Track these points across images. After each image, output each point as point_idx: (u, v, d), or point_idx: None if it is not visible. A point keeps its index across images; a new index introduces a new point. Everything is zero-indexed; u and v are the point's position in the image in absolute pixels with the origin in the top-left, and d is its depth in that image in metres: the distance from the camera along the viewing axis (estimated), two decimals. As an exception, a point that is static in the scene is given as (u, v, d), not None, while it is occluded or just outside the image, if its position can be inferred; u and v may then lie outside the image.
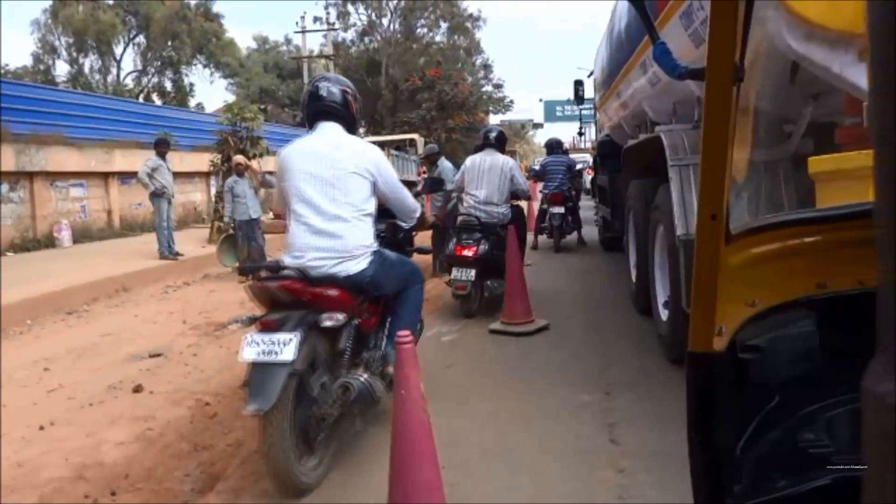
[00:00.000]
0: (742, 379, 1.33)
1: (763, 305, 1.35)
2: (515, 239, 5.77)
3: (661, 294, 4.84)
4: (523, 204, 6.98)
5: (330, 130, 3.12)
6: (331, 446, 2.94)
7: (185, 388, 4.19)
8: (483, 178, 5.99)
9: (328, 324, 2.79)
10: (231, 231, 8.81)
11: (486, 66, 38.94)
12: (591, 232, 11.34)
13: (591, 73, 11.38)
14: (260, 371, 2.58)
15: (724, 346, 1.27)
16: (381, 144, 17.56)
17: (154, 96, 32.76)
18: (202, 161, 14.30)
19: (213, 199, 13.23)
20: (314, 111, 3.16)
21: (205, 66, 34.21)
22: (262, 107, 31.83)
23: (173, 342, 5.46)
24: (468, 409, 3.83)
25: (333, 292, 2.85)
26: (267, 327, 2.70)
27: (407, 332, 2.33)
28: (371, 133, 33.83)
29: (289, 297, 2.80)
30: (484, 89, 36.19)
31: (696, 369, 1.29)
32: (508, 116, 40.67)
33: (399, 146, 17.23)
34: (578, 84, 13.11)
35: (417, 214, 3.46)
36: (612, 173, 8.53)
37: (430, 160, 8.98)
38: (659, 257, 4.90)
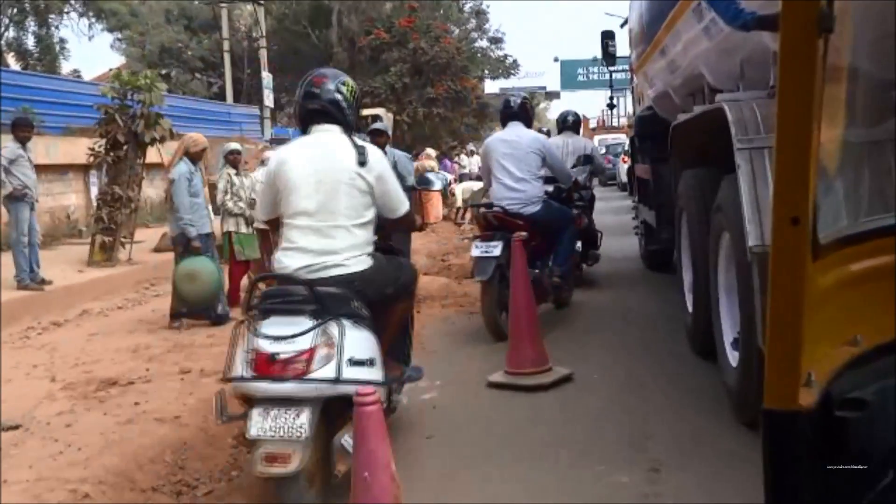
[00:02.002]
0: (841, 446, 1.33)
1: (868, 343, 1.36)
2: (523, 255, 5.80)
3: (729, 329, 4.86)
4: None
5: (516, 126, 7.12)
6: None
7: (53, 474, 4.13)
8: (568, 159, 8.89)
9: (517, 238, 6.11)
10: (183, 250, 8.03)
11: (480, 13, 39.15)
12: (629, 244, 11.39)
13: (625, 22, 11.48)
14: (482, 261, 6.49)
15: (814, 400, 1.28)
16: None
17: (9, 58, 32.62)
18: (78, 149, 14.22)
19: (96, 202, 13.15)
20: (506, 115, 7.24)
21: (81, 16, 34.16)
22: (164, 72, 31.80)
23: (36, 409, 5.39)
24: (457, 497, 3.81)
25: (519, 222, 6.67)
26: (485, 238, 6.64)
27: (370, 390, 2.33)
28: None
29: (496, 222, 6.78)
30: (476, 45, 36.39)
31: (777, 434, 1.30)
32: (512, 83, 40.76)
33: (359, 126, 17.25)
34: (608, 37, 13.22)
35: (573, 180, 7.91)
36: (657, 161, 8.58)
37: (378, 143, 9.09)
38: (724, 277, 4.92)
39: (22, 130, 9.83)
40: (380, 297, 4.00)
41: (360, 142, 4.03)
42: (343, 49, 32.42)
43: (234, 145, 9.81)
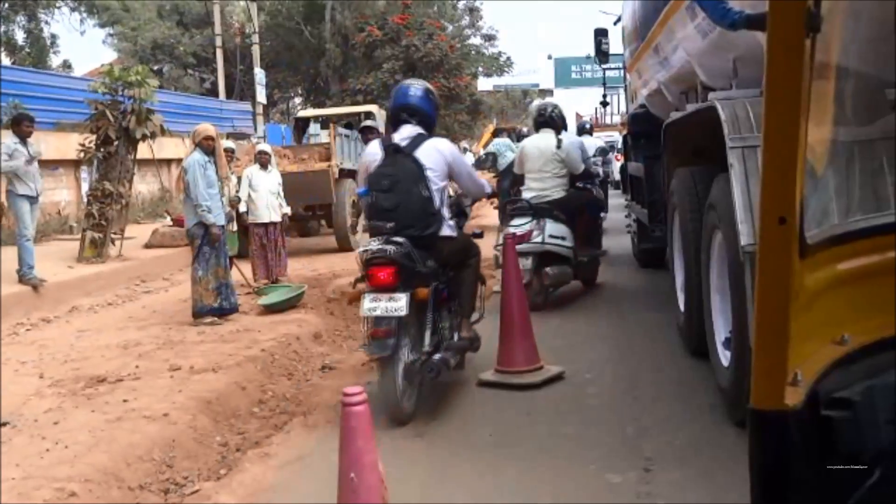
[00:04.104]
0: (828, 446, 1.33)
1: (856, 343, 1.36)
2: (515, 253, 5.80)
3: (721, 328, 4.87)
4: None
5: (587, 136, 14.91)
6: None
7: (40, 472, 4.12)
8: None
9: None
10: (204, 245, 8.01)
11: (473, 11, 39.24)
12: (621, 242, 11.41)
13: (619, 20, 11.48)
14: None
15: (801, 400, 1.28)
16: (326, 120, 17.49)
17: (0, 52, 32.49)
18: (69, 144, 14.19)
19: (86, 198, 13.12)
20: (581, 131, 15.47)
21: (73, 10, 34.05)
22: (156, 68, 31.71)
23: (25, 406, 5.38)
24: (446, 497, 3.81)
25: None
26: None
27: (357, 390, 2.32)
28: (311, 104, 33.79)
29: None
30: (470, 42, 36.45)
31: (764, 434, 1.30)
32: (506, 80, 40.92)
33: (350, 123, 17.20)
34: (601, 35, 13.21)
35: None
36: (650, 159, 8.60)
37: (370, 139, 8.95)
38: (717, 277, 4.93)
39: (24, 126, 9.78)
40: (571, 210, 8.07)
41: (560, 136, 8.29)
42: (336, 45, 32.40)
43: (228, 143, 9.78)
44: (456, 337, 5.33)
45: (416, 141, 5.03)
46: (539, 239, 7.57)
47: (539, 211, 7.77)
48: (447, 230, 5.10)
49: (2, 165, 9.45)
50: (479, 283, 5.58)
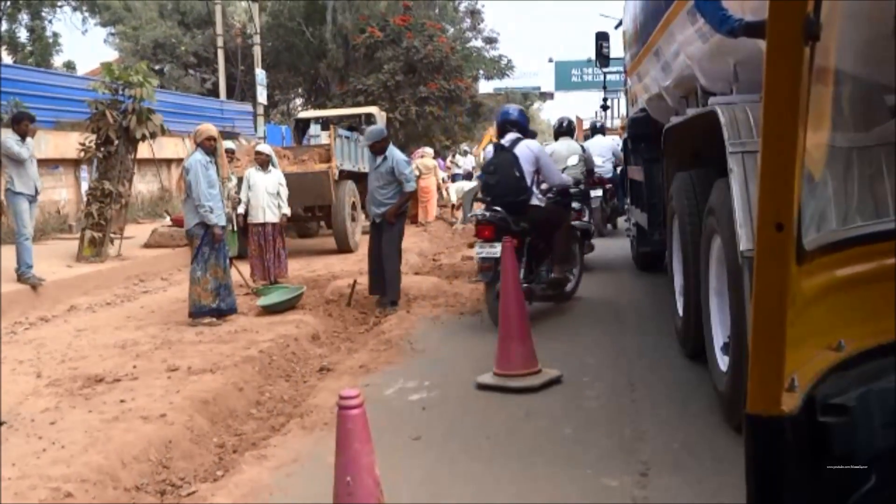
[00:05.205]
0: (823, 451, 1.33)
1: (852, 349, 1.36)
2: (513, 258, 5.81)
3: (720, 333, 4.87)
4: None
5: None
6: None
7: (36, 472, 4.12)
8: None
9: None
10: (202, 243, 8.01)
11: (474, 13, 39.21)
12: (620, 245, 11.41)
13: (620, 24, 11.49)
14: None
15: (797, 405, 1.28)
16: (326, 122, 17.49)
17: (2, 50, 32.47)
18: (69, 143, 14.18)
19: (86, 197, 13.10)
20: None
21: (75, 10, 34.06)
22: (157, 67, 31.69)
23: (21, 405, 5.37)
24: (442, 499, 3.81)
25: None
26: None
27: (354, 393, 2.32)
28: (312, 105, 33.77)
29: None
30: (470, 45, 36.40)
31: (760, 438, 1.30)
32: (506, 83, 40.90)
33: (352, 125, 17.19)
34: (602, 38, 13.23)
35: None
36: (650, 163, 8.61)
37: (375, 148, 8.75)
38: (715, 281, 4.93)
39: (24, 125, 9.74)
40: (587, 199, 9.95)
41: (581, 142, 11.94)
42: (337, 46, 32.35)
43: (228, 144, 9.75)
44: (549, 275, 7.56)
45: (515, 142, 7.44)
46: (587, 218, 9.51)
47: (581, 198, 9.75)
48: (535, 201, 7.39)
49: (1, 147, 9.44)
50: (572, 244, 8.02)
